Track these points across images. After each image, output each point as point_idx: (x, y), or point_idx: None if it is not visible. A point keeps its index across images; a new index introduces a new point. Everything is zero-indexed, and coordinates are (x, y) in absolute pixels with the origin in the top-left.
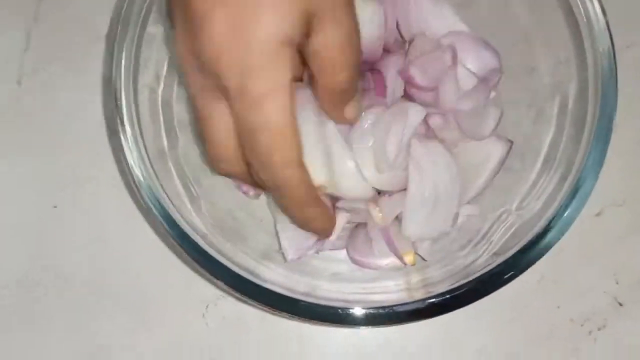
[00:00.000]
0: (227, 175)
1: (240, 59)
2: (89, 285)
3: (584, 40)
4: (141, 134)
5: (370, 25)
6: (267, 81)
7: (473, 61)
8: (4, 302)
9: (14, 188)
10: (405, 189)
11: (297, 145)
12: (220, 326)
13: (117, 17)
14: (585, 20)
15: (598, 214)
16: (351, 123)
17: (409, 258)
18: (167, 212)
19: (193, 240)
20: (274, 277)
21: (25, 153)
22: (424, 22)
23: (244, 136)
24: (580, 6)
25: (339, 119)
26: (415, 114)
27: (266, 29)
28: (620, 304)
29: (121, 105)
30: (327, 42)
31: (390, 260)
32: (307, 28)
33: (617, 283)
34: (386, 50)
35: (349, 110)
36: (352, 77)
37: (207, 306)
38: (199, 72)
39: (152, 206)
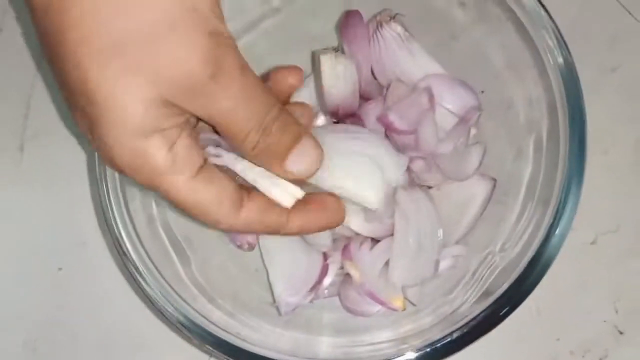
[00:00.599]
0: None
1: (113, 163)
2: (97, 343)
3: (551, 80)
4: (128, 211)
5: (344, 82)
6: (141, 177)
7: (451, 100)
8: None
9: (19, 251)
10: (383, 238)
11: (213, 208)
12: None
13: None
14: (551, 61)
15: (592, 242)
16: (301, 178)
17: (398, 303)
18: (155, 290)
19: (184, 315)
20: (264, 338)
21: (30, 217)
22: (398, 68)
23: None
24: (547, 50)
25: (285, 176)
26: (398, 166)
27: (115, 133)
28: (621, 333)
29: (105, 184)
30: (211, 119)
31: (382, 307)
32: (177, 109)
33: (617, 312)
34: (364, 98)
35: (290, 166)
36: (256, 142)
37: (210, 356)
38: None
39: (140, 284)
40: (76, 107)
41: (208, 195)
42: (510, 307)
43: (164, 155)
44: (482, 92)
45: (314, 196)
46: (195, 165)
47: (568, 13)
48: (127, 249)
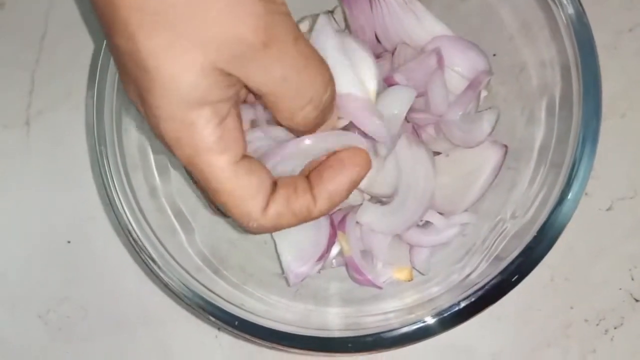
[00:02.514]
0: None
1: (157, 133)
2: (107, 315)
3: (564, 40)
4: (128, 179)
5: None
6: (184, 151)
7: (460, 63)
8: (29, 335)
9: (29, 226)
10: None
11: (248, 199)
12: (233, 346)
13: (95, 64)
14: (564, 20)
15: (608, 209)
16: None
17: (405, 274)
18: (159, 265)
19: (192, 291)
20: (271, 310)
21: (38, 192)
22: (403, 32)
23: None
24: (560, 8)
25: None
26: (406, 96)
27: (163, 102)
28: (637, 300)
29: (103, 156)
30: (261, 89)
31: (388, 277)
32: (230, 80)
33: (633, 279)
34: None
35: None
36: (308, 115)
37: (219, 327)
38: None
39: (143, 258)
40: (128, 77)
41: (247, 184)
42: (521, 275)
43: (212, 129)
44: (494, 55)
45: (329, 160)
46: (240, 149)
47: None
48: (128, 222)
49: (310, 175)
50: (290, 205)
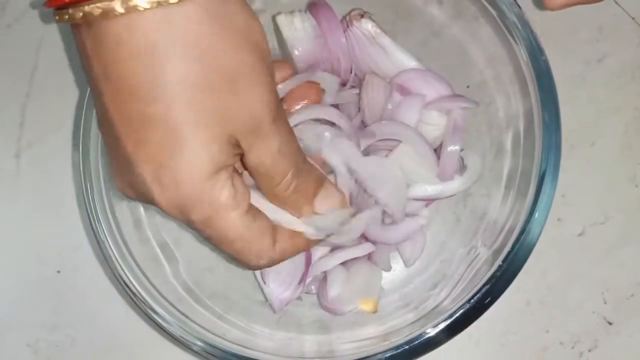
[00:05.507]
0: None
1: (174, 200)
2: (96, 342)
3: (525, 77)
4: (114, 216)
5: (304, 31)
6: (201, 212)
7: (427, 92)
8: None
9: (19, 255)
10: None
11: (258, 242)
12: None
13: (82, 101)
14: (525, 58)
15: (580, 234)
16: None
17: (370, 306)
18: (141, 299)
19: (174, 324)
20: (252, 339)
21: (28, 222)
22: (372, 64)
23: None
24: (521, 48)
25: (310, 214)
26: None
27: (190, 167)
28: (610, 323)
29: (88, 192)
30: (259, 160)
31: (354, 307)
32: (239, 148)
33: (605, 302)
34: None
35: (318, 206)
36: (291, 183)
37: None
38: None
39: (128, 295)
40: (141, 147)
41: (257, 229)
42: (492, 299)
43: (229, 189)
44: (468, 87)
45: None
46: (247, 200)
47: None
48: (113, 256)
49: None
50: (294, 241)
